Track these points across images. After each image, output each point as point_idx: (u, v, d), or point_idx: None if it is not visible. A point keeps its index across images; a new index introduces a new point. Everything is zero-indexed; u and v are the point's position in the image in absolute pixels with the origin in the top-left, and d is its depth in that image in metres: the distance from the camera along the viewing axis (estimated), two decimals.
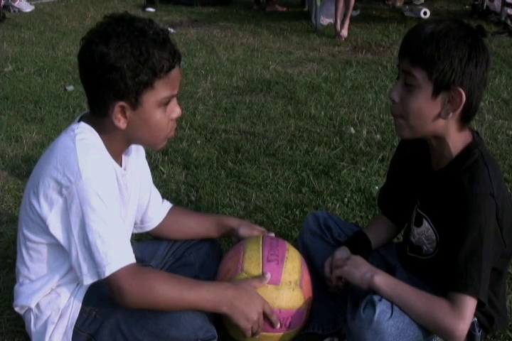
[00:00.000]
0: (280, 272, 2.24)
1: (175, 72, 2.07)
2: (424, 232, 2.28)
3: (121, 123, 2.06)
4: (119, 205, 2.13)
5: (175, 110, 2.14)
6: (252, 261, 2.25)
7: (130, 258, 2.04)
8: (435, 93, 2.04)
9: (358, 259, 2.30)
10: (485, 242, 2.03)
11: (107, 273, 1.99)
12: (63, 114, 5.23)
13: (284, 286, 2.23)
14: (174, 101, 2.13)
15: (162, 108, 2.09)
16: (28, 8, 10.15)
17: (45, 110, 5.35)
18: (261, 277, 2.20)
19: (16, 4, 10.01)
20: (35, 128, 4.87)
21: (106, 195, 2.01)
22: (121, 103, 2.03)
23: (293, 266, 2.28)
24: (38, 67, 6.69)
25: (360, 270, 2.22)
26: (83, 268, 2.02)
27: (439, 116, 2.07)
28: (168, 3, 10.95)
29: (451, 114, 2.06)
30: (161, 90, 2.05)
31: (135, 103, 2.04)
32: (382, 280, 2.14)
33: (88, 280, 2.03)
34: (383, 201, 2.64)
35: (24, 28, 8.76)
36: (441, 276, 2.10)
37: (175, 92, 2.11)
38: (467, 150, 2.14)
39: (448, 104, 2.05)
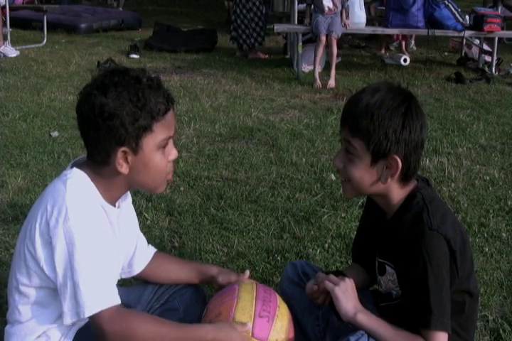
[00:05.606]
0: (269, 330, 2.28)
1: (170, 114, 2.17)
2: (390, 277, 2.33)
3: (124, 168, 2.14)
4: (110, 247, 2.16)
5: (172, 152, 2.23)
6: (245, 313, 2.29)
7: (113, 300, 2.08)
8: (373, 162, 2.17)
9: (349, 287, 2.30)
10: (430, 276, 2.10)
11: (87, 314, 2.02)
12: (48, 159, 5.27)
13: None
14: (171, 143, 2.22)
15: (161, 150, 2.17)
16: (13, 53, 10.18)
17: (30, 156, 5.38)
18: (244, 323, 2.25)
19: (0, 49, 10.05)
20: (20, 174, 4.90)
21: (93, 238, 2.06)
22: (123, 148, 2.11)
23: (281, 324, 2.32)
24: (23, 113, 6.72)
25: (347, 303, 2.24)
26: (64, 307, 2.05)
27: (378, 180, 2.20)
28: (152, 49, 11.09)
29: (389, 179, 2.19)
30: (159, 132, 2.14)
31: (136, 147, 2.12)
32: (364, 319, 2.19)
33: (68, 319, 2.06)
34: (353, 251, 2.73)
35: (9, 73, 8.79)
36: (410, 316, 2.17)
37: (171, 133, 2.20)
38: (410, 196, 2.24)
39: (386, 170, 2.18)
